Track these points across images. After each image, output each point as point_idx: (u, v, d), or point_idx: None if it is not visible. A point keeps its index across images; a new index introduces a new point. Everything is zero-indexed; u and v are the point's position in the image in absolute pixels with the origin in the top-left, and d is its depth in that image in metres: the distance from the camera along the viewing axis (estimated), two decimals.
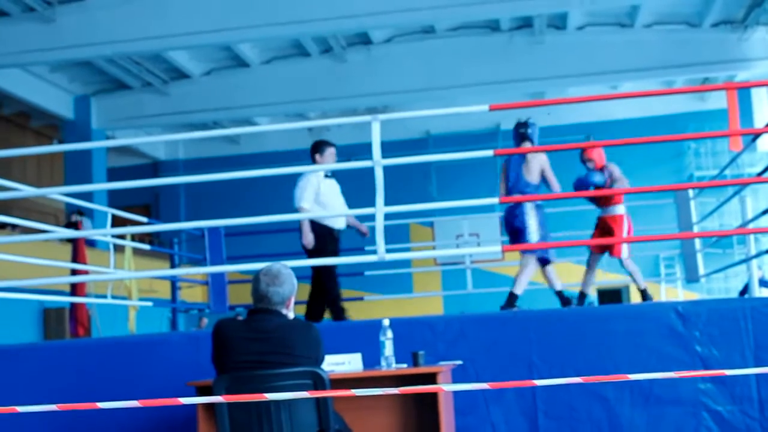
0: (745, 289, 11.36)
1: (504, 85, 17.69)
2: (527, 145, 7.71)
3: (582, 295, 8.26)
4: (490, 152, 6.19)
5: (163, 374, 5.61)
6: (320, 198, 7.49)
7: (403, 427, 4.74)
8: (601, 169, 8.18)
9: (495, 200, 6.33)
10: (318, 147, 7.54)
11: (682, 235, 9.30)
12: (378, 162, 5.88)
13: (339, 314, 7.50)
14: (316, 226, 7.51)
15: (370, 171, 5.98)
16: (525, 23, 17.26)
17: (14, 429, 5.57)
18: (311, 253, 7.42)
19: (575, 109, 19.81)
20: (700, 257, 10.20)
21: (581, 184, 7.99)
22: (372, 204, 5.95)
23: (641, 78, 17.77)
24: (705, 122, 19.26)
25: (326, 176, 7.56)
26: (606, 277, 18.91)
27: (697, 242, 10.20)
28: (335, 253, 7.55)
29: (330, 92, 18.03)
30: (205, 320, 15.51)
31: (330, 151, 7.50)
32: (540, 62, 17.30)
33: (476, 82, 17.52)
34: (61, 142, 19.53)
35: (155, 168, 22.37)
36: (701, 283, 15.59)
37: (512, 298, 7.66)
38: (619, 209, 8.21)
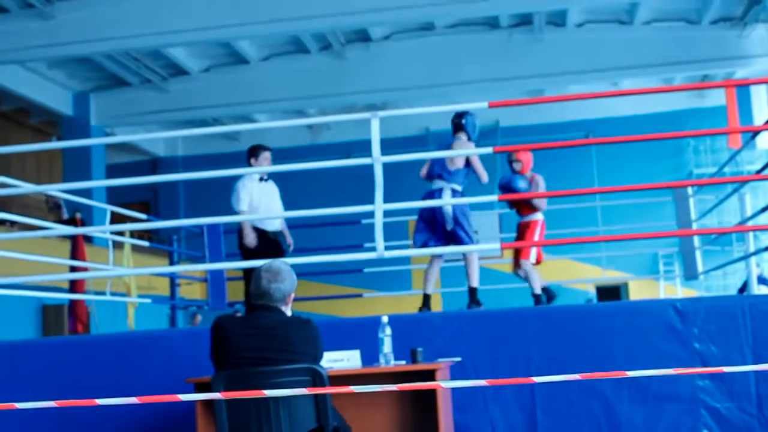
0: (744, 287, 11.38)
1: (503, 83, 17.70)
2: (461, 135, 7.51)
3: (543, 295, 8.22)
4: (489, 149, 6.20)
5: (162, 371, 5.61)
6: (253, 201, 7.71)
7: (402, 423, 4.74)
8: (525, 175, 8.18)
9: (494, 198, 6.34)
10: (254, 151, 7.73)
11: (681, 233, 9.30)
12: (377, 159, 5.88)
13: None
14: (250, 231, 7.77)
15: (370, 168, 5.99)
16: (524, 20, 17.25)
17: (13, 425, 5.58)
18: (248, 254, 7.63)
19: (575, 107, 19.81)
20: (699, 254, 10.22)
21: (507, 188, 7.97)
22: (371, 201, 5.96)
23: (640, 75, 17.78)
24: (704, 119, 19.25)
25: (261, 180, 7.80)
26: (605, 274, 18.97)
27: (696, 239, 10.21)
28: (271, 252, 7.64)
29: (329, 89, 18.02)
30: (199, 317, 15.51)
31: (264, 155, 7.68)
32: (539, 59, 17.30)
33: (475, 79, 17.52)
34: (60, 138, 19.51)
35: (154, 165, 22.36)
36: (700, 280, 15.61)
37: (473, 293, 7.51)
38: (536, 216, 8.20)
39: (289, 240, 8.15)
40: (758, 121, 19.41)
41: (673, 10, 17.01)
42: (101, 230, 10.14)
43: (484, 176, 7.46)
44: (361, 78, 17.84)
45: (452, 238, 7.41)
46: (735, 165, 18.60)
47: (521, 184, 7.92)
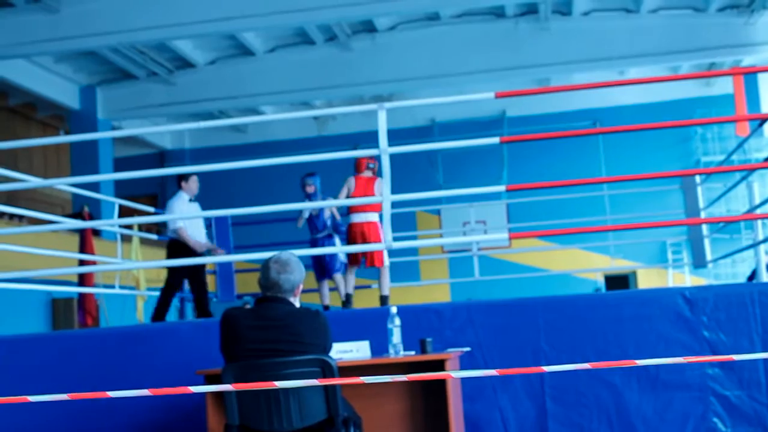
0: (753, 275, 11.36)
1: (509, 72, 17.64)
2: None
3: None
4: (496, 139, 6.18)
5: (171, 363, 5.63)
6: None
7: (412, 413, 4.75)
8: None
9: (501, 188, 6.32)
10: (185, 176, 8.81)
11: (690, 221, 9.28)
12: (384, 150, 5.88)
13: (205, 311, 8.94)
14: (182, 244, 8.70)
15: (376, 159, 5.99)
16: (530, 9, 17.19)
17: (25, 418, 5.61)
18: (172, 270, 8.75)
19: (582, 96, 19.76)
20: (707, 243, 10.19)
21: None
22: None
23: (647, 63, 17.70)
24: (712, 107, 19.20)
25: (190, 201, 8.80)
26: (613, 263, 18.96)
27: (704, 228, 10.19)
28: (193, 267, 8.73)
29: (335, 80, 17.99)
30: None
31: (193, 179, 8.82)
32: (545, 48, 17.24)
33: (482, 69, 17.47)
34: (67, 132, 19.54)
35: (161, 158, 22.38)
36: (708, 268, 15.56)
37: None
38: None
39: (220, 251, 9.17)
40: (766, 108, 19.33)
41: None
42: (109, 224, 10.16)
43: None
44: (367, 69, 17.81)
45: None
46: (743, 153, 18.52)
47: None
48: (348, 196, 8.12)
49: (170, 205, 8.80)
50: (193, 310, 9.06)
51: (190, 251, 8.70)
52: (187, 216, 8.29)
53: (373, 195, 8.03)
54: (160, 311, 8.89)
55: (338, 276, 8.69)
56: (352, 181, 8.22)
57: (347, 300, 8.56)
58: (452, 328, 5.49)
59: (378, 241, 8.04)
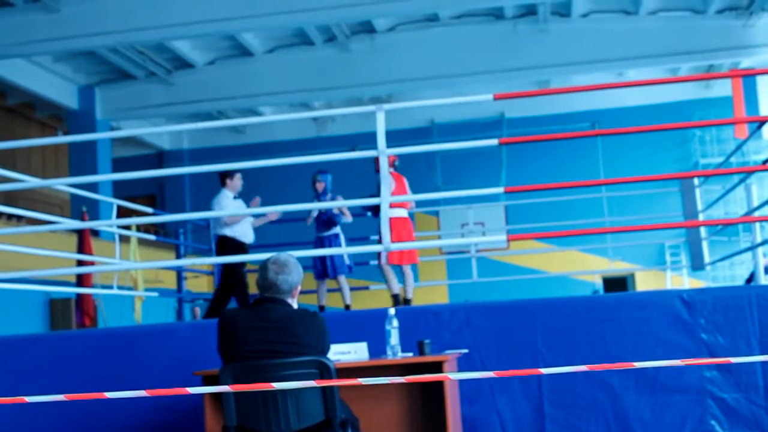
0: (751, 277, 11.36)
1: (508, 74, 17.67)
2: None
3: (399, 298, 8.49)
4: (494, 141, 6.18)
5: (169, 364, 5.62)
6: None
7: (410, 415, 4.75)
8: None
9: (500, 189, 6.31)
10: (229, 173, 8.62)
11: (688, 224, 9.29)
12: (383, 151, 5.88)
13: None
14: (233, 242, 8.50)
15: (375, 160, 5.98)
16: (529, 11, 17.21)
17: (22, 419, 5.60)
18: (225, 265, 8.54)
19: (580, 97, 19.78)
20: (705, 245, 10.19)
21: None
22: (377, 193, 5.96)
23: (646, 65, 17.73)
24: (710, 109, 19.22)
25: (234, 198, 8.65)
26: (612, 265, 18.96)
27: (703, 230, 10.19)
28: (244, 264, 8.65)
29: (334, 81, 18.00)
30: (198, 309, 15.54)
31: (237, 176, 8.67)
32: (544, 50, 17.26)
33: (480, 71, 17.49)
34: (66, 132, 19.53)
35: (160, 158, 22.38)
36: (707, 270, 15.58)
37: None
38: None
39: (274, 216, 8.91)
40: (764, 111, 19.35)
41: (679, 0, 16.95)
42: (108, 224, 10.15)
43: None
44: (366, 70, 17.82)
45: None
46: (741, 155, 18.55)
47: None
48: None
49: (215, 203, 8.55)
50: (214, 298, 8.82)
51: (238, 248, 8.50)
52: (231, 212, 8.13)
53: (405, 193, 8.06)
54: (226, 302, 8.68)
55: (342, 278, 8.63)
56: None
57: (406, 302, 8.30)
58: (450, 330, 5.49)
59: (412, 236, 8.10)
